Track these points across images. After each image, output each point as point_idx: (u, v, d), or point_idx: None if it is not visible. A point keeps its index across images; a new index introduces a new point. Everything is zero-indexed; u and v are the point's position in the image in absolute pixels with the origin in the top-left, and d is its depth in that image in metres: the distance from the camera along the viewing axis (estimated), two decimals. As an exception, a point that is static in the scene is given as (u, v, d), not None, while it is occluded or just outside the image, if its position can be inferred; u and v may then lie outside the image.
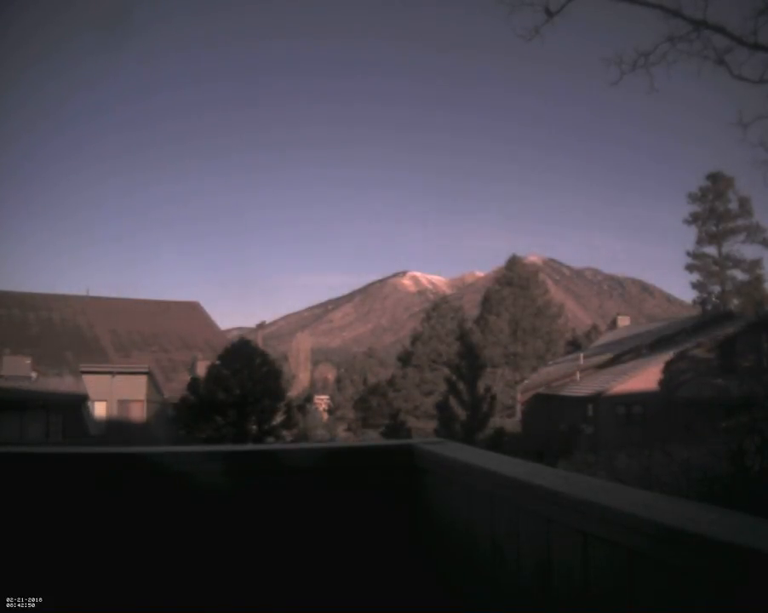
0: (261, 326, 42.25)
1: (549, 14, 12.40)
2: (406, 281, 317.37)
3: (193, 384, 22.67)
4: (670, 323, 38.12)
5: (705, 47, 12.22)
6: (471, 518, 1.96)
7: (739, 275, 44.82)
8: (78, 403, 26.99)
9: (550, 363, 32.76)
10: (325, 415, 47.78)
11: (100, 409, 29.44)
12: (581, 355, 35.30)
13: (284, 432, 21.95)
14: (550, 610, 1.56)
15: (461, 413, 31.19)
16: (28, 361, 26.45)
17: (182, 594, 2.10)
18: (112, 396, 29.65)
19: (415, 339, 34.27)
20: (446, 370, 32.02)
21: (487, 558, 1.87)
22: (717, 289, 43.83)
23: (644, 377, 29.87)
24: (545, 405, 32.30)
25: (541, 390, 33.17)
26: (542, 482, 1.63)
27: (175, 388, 27.51)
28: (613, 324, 46.01)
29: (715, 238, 45.19)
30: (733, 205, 44.78)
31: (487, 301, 31.88)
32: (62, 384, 27.01)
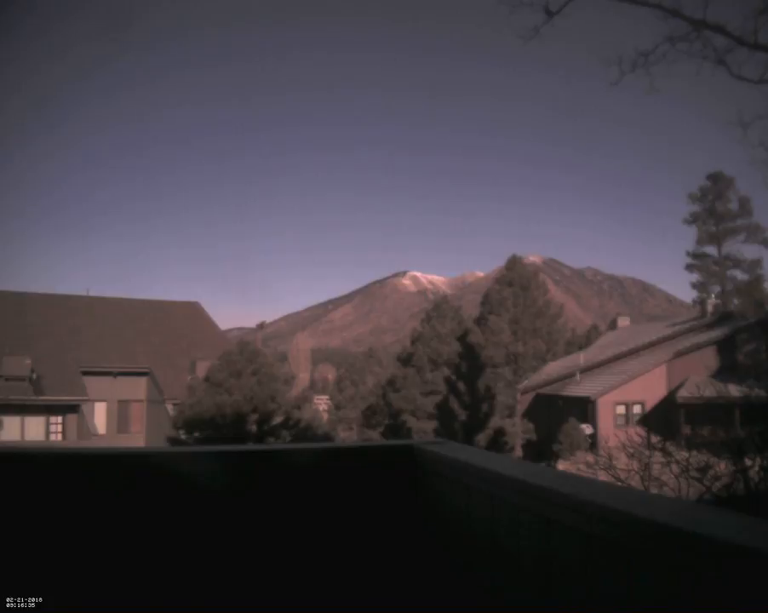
0: (261, 326, 42.26)
1: (549, 13, 12.37)
2: (406, 281, 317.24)
3: (193, 384, 22.67)
4: (670, 323, 38.14)
5: (705, 47, 12.19)
6: (471, 517, 1.96)
7: (739, 275, 44.90)
8: (78, 403, 26.99)
9: (550, 363, 32.76)
10: (325, 415, 47.76)
11: (100, 410, 29.43)
12: (582, 355, 35.30)
13: (284, 432, 21.94)
14: (550, 609, 1.56)
15: (461, 413, 31.16)
16: (28, 361, 26.43)
17: (183, 593, 2.10)
18: (112, 396, 29.64)
19: (415, 339, 34.23)
20: (446, 370, 32.00)
21: (487, 558, 1.87)
22: (717, 289, 43.85)
23: (644, 377, 29.89)
24: (545, 405, 32.30)
25: (541, 390, 33.17)
26: (542, 482, 1.63)
27: (175, 388, 27.50)
28: (613, 324, 46.05)
29: (715, 238, 45.21)
30: (733, 205, 44.83)
31: (487, 301, 31.77)
32: (62, 384, 27.00)
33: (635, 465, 6.69)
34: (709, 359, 28.41)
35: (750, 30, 11.75)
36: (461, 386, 31.46)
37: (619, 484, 6.14)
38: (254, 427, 21.39)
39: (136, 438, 28.78)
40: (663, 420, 26.00)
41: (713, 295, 39.59)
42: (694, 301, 46.11)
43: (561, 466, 22.65)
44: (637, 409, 29.37)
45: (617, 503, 1.38)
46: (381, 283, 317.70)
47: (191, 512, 2.15)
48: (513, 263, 31.74)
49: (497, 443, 29.62)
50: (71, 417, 26.84)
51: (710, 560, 1.11)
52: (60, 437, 26.50)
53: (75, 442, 25.96)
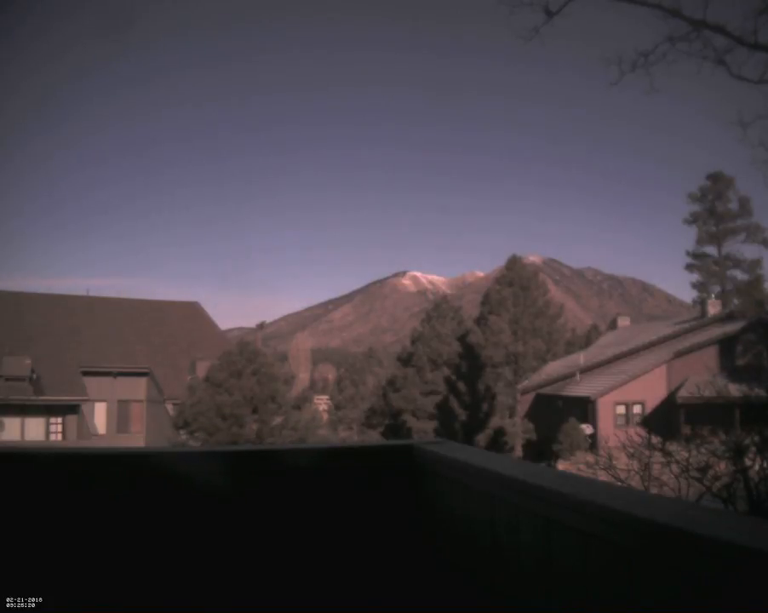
0: (261, 326, 42.27)
1: (549, 14, 12.37)
2: (406, 281, 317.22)
3: (193, 384, 22.67)
4: (670, 323, 38.14)
5: (705, 47, 12.19)
6: (471, 517, 1.96)
7: (739, 275, 44.91)
8: (78, 403, 27.00)
9: (550, 363, 32.76)
10: (325, 415, 47.78)
11: (100, 410, 29.44)
12: (582, 355, 35.28)
13: (284, 433, 21.94)
14: (550, 609, 1.56)
15: (461, 413, 31.17)
16: (28, 361, 26.44)
17: (183, 594, 2.10)
18: (112, 396, 29.65)
19: (415, 339, 34.25)
20: (446, 370, 32.00)
21: (487, 558, 1.87)
22: (717, 289, 43.85)
23: (644, 377, 29.88)
24: (545, 405, 32.29)
25: (541, 390, 33.16)
26: (542, 482, 1.63)
27: (175, 388, 27.50)
28: (613, 324, 46.02)
29: (715, 238, 45.21)
30: (733, 205, 44.85)
31: (487, 301, 31.76)
32: (62, 384, 27.00)
33: (635, 465, 6.68)
34: (709, 359, 28.39)
35: (750, 30, 11.76)
36: (461, 386, 31.47)
37: (619, 484, 6.13)
38: (254, 427, 21.39)
39: (136, 438, 28.80)
40: (663, 420, 25.98)
41: (713, 295, 39.56)
42: (694, 301, 46.14)
43: (561, 466, 22.64)
44: (637, 409, 29.35)
45: (617, 503, 1.38)
46: (381, 283, 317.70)
47: (190, 513, 2.15)
48: (513, 263, 31.74)
49: (497, 443, 29.63)
50: (71, 417, 26.85)
51: (710, 560, 1.11)
52: (60, 437, 26.51)
53: (75, 442, 25.97)
